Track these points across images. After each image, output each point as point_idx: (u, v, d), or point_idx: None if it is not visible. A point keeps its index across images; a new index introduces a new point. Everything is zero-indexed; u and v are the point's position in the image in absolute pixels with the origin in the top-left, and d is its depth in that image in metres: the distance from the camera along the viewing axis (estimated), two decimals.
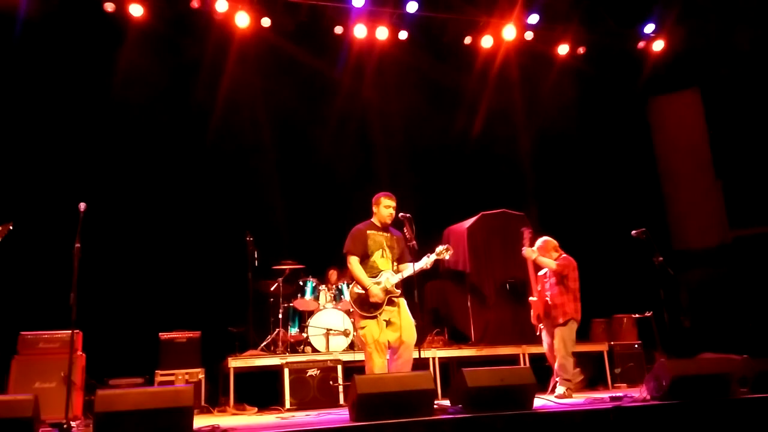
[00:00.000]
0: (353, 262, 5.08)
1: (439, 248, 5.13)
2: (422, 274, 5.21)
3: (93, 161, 7.46)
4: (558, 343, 5.73)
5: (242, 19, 8.10)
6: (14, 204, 6.72)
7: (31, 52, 7.47)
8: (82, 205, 4.75)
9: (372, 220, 5.24)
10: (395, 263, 5.20)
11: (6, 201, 6.67)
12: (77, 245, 4.62)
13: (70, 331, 4.64)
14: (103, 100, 7.69)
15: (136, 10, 7.77)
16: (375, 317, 4.97)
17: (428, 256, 5.11)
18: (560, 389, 5.54)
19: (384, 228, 5.20)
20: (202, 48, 8.18)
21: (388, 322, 5.01)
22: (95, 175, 7.34)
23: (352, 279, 5.25)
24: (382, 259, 5.12)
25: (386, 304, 5.01)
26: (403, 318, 5.04)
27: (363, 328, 5.01)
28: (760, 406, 4.21)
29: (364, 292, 5.01)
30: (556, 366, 5.72)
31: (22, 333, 5.61)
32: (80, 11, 7.66)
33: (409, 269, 5.07)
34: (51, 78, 7.49)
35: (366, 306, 5.00)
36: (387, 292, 5.01)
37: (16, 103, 7.33)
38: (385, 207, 5.15)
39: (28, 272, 6.69)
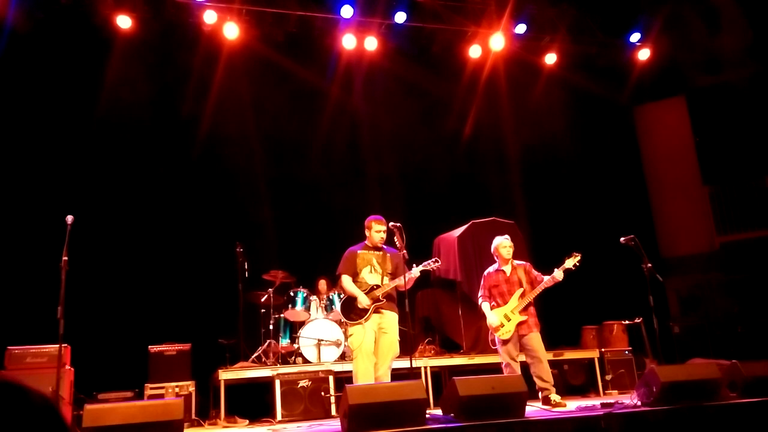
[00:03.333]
0: (343, 279, 5.40)
1: (427, 262, 5.39)
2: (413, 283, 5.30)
3: (80, 173, 7.41)
4: (543, 349, 5.68)
5: (231, 31, 8.11)
6: (1, 215, 6.68)
7: (18, 64, 7.43)
8: (70, 218, 4.73)
9: (365, 242, 5.48)
10: (388, 277, 5.35)
11: None
12: (65, 258, 4.59)
13: (58, 346, 4.60)
14: (90, 112, 7.65)
15: (124, 22, 7.76)
16: (360, 324, 5.20)
17: (415, 266, 5.32)
18: (557, 396, 5.49)
19: (376, 248, 5.41)
20: (190, 60, 8.18)
21: (375, 332, 5.23)
22: (83, 187, 7.30)
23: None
24: (370, 275, 5.37)
25: (373, 312, 5.22)
26: (386, 329, 5.26)
27: (351, 335, 5.29)
28: (749, 410, 4.24)
29: (350, 300, 5.27)
30: (545, 373, 5.63)
31: (9, 348, 5.54)
32: (68, 23, 7.64)
33: (396, 280, 5.23)
34: (38, 90, 7.45)
35: (352, 313, 5.24)
36: (373, 300, 5.24)
37: (2, 116, 7.28)
38: (375, 232, 5.39)
39: (15, 286, 6.61)
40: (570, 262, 5.63)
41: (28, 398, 1.11)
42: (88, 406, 3.55)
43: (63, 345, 4.71)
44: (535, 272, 5.85)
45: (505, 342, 5.65)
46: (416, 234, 6.10)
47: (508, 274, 5.83)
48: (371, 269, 5.35)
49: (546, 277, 5.69)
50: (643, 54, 9.78)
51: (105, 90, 7.73)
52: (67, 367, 5.57)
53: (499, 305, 5.74)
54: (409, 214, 7.16)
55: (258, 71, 8.53)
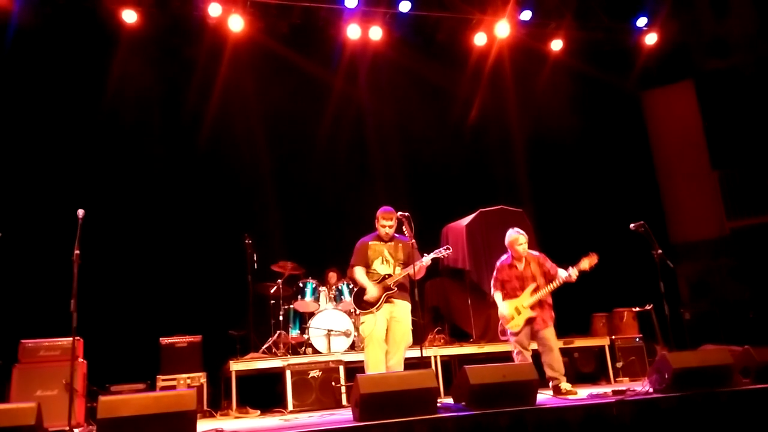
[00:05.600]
0: (356, 270, 5.39)
1: (438, 249, 5.36)
2: None
3: (90, 168, 7.46)
4: (555, 340, 5.67)
5: (235, 23, 8.08)
6: (12, 212, 6.72)
7: (25, 60, 7.46)
8: (81, 212, 4.74)
9: (377, 232, 5.48)
10: (400, 267, 5.34)
11: (3, 209, 6.67)
12: (76, 252, 4.61)
13: (71, 339, 4.63)
14: (97, 107, 7.68)
15: (130, 16, 7.75)
16: (372, 312, 5.20)
17: (426, 254, 5.29)
18: (567, 385, 5.48)
19: (386, 238, 5.40)
20: (195, 53, 8.18)
21: (387, 321, 5.23)
22: (93, 181, 7.35)
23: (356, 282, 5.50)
24: (381, 265, 5.36)
25: (384, 302, 5.21)
26: (399, 319, 5.25)
27: (362, 323, 5.29)
28: (762, 396, 4.22)
29: (362, 290, 5.27)
30: (556, 363, 5.62)
31: (23, 341, 5.59)
32: (73, 18, 7.64)
33: (408, 269, 5.22)
34: (46, 85, 7.48)
35: (363, 302, 5.24)
36: (384, 289, 5.23)
37: (11, 111, 7.31)
38: (381, 226, 5.39)
39: (28, 280, 6.67)
40: (586, 263, 5.57)
41: None
42: (102, 398, 3.57)
43: (76, 338, 4.74)
44: (548, 264, 5.80)
45: (516, 333, 5.64)
46: (424, 223, 6.08)
47: (521, 269, 5.78)
48: (383, 260, 5.36)
49: (562, 272, 5.65)
50: (650, 39, 9.67)
51: (111, 84, 7.76)
52: (80, 359, 5.62)
53: (510, 298, 5.73)
54: (415, 203, 7.13)
55: (262, 63, 8.52)
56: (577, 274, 5.56)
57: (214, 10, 7.94)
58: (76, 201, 5.07)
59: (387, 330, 5.22)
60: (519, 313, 5.64)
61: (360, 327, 5.38)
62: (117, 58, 7.85)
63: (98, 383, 6.01)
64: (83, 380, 5.62)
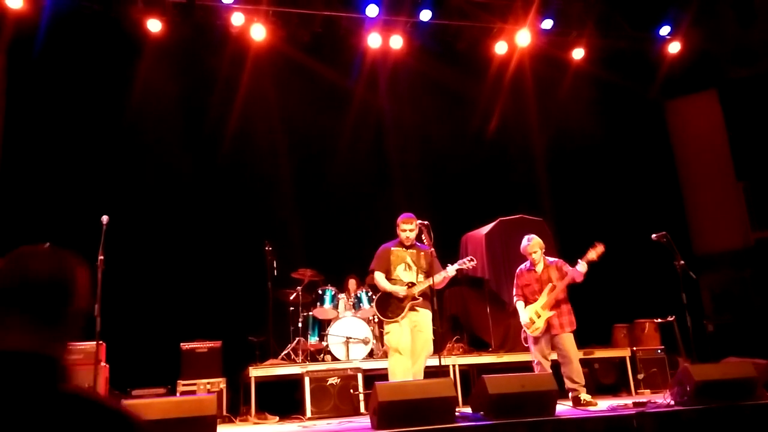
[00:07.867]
0: (376, 276, 5.39)
1: (462, 260, 5.39)
2: None
3: (114, 174, 7.58)
4: (575, 349, 5.64)
5: (258, 32, 8.19)
6: (37, 217, 6.86)
7: (52, 68, 7.61)
8: (105, 218, 4.84)
9: (399, 239, 5.49)
10: (423, 275, 5.34)
11: (30, 214, 6.81)
12: (100, 257, 4.70)
13: (94, 343, 4.71)
14: (121, 114, 7.82)
15: (154, 26, 7.89)
16: (397, 321, 5.19)
17: (450, 265, 5.31)
18: (587, 396, 5.44)
19: (407, 243, 5.40)
20: (218, 61, 8.30)
21: (410, 330, 5.22)
22: (116, 188, 7.46)
23: (375, 289, 5.55)
24: (404, 272, 5.37)
25: (409, 310, 5.20)
26: (421, 328, 5.25)
27: (387, 333, 5.28)
28: None
29: (386, 297, 5.26)
30: (575, 374, 5.57)
31: None
32: (99, 27, 7.79)
33: (431, 279, 5.23)
34: (72, 94, 7.64)
35: (388, 311, 5.23)
36: (411, 298, 5.22)
37: (38, 119, 7.48)
38: (401, 231, 5.40)
39: None
40: (593, 253, 5.60)
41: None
42: (125, 402, 3.64)
43: (99, 342, 4.82)
44: (566, 268, 5.81)
45: (537, 340, 5.63)
46: (443, 231, 6.09)
47: (539, 273, 5.82)
48: (405, 267, 5.37)
49: (572, 269, 5.66)
50: (674, 47, 9.56)
51: (136, 92, 7.89)
52: (103, 363, 5.71)
53: (531, 304, 5.74)
54: (435, 211, 7.13)
55: (284, 72, 8.60)
56: (586, 265, 5.57)
57: (237, 20, 8.05)
58: (100, 207, 5.18)
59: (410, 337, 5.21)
60: (539, 316, 5.65)
61: (385, 337, 5.38)
62: (141, 67, 7.99)
63: (120, 387, 6.10)
64: (105, 384, 5.70)
